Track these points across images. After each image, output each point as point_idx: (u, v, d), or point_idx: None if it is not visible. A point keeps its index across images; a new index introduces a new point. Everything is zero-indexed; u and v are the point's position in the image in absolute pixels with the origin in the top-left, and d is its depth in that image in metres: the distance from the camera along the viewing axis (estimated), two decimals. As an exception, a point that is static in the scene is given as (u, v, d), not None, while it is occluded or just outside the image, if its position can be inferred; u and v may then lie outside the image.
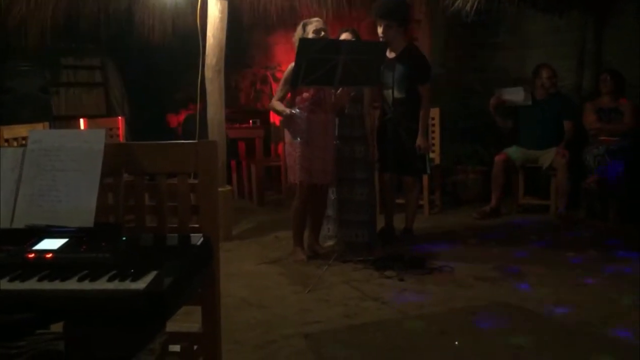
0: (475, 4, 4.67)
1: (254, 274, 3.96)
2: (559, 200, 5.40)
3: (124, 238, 1.52)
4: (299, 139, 4.03)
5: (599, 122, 5.48)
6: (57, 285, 1.28)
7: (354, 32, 4.33)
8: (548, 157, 5.50)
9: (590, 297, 3.36)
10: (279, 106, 4.11)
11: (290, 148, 4.13)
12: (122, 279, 1.29)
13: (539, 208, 5.68)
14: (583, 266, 3.94)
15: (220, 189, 4.66)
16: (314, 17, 5.01)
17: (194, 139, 4.93)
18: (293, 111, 4.00)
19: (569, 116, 5.59)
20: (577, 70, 6.30)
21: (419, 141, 4.41)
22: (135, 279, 1.29)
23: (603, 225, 5.07)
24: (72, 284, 1.28)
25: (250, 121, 6.95)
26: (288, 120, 4.05)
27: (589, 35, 6.22)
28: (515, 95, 5.60)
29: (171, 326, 1.66)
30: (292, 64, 3.86)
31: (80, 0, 5.58)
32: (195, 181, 1.77)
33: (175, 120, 7.63)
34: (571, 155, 5.41)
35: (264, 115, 7.08)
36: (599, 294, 3.39)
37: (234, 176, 6.79)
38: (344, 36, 4.30)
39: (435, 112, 5.81)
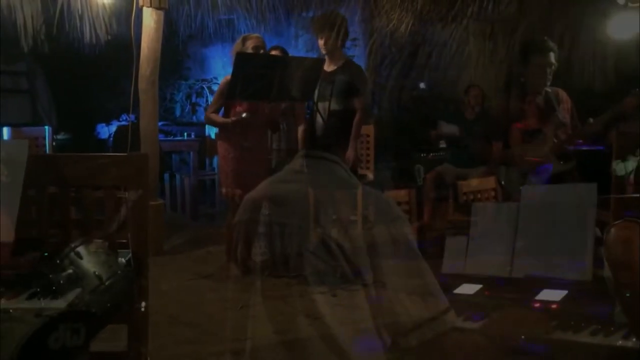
0: (410, 26, 4.82)
1: (185, 289, 3.87)
2: (486, 217, 5.58)
3: (45, 254, 1.46)
4: (231, 154, 3.99)
5: (523, 142, 5.71)
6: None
7: (282, 51, 4.38)
8: (476, 175, 5.68)
9: (508, 311, 3.46)
10: (219, 118, 4.09)
11: (223, 162, 4.09)
12: (43, 297, 1.24)
13: (468, 224, 5.84)
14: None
15: (151, 203, 4.55)
16: (253, 32, 5.04)
17: (125, 151, 4.82)
18: (241, 116, 3.94)
19: (496, 137, 5.79)
20: (505, 92, 6.57)
21: (348, 153, 4.47)
22: (56, 297, 1.24)
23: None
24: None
25: (185, 134, 6.85)
26: (235, 124, 3.99)
27: (515, 59, 6.50)
28: (452, 129, 5.79)
29: (95, 346, 1.59)
30: (228, 76, 3.83)
31: (3, 2, 5.36)
32: (125, 195, 1.72)
33: (106, 131, 7.40)
34: (497, 174, 5.61)
35: (198, 128, 6.99)
36: (515, 309, 3.50)
37: (167, 189, 6.65)
38: (273, 54, 4.34)
39: (370, 130, 5.90)
